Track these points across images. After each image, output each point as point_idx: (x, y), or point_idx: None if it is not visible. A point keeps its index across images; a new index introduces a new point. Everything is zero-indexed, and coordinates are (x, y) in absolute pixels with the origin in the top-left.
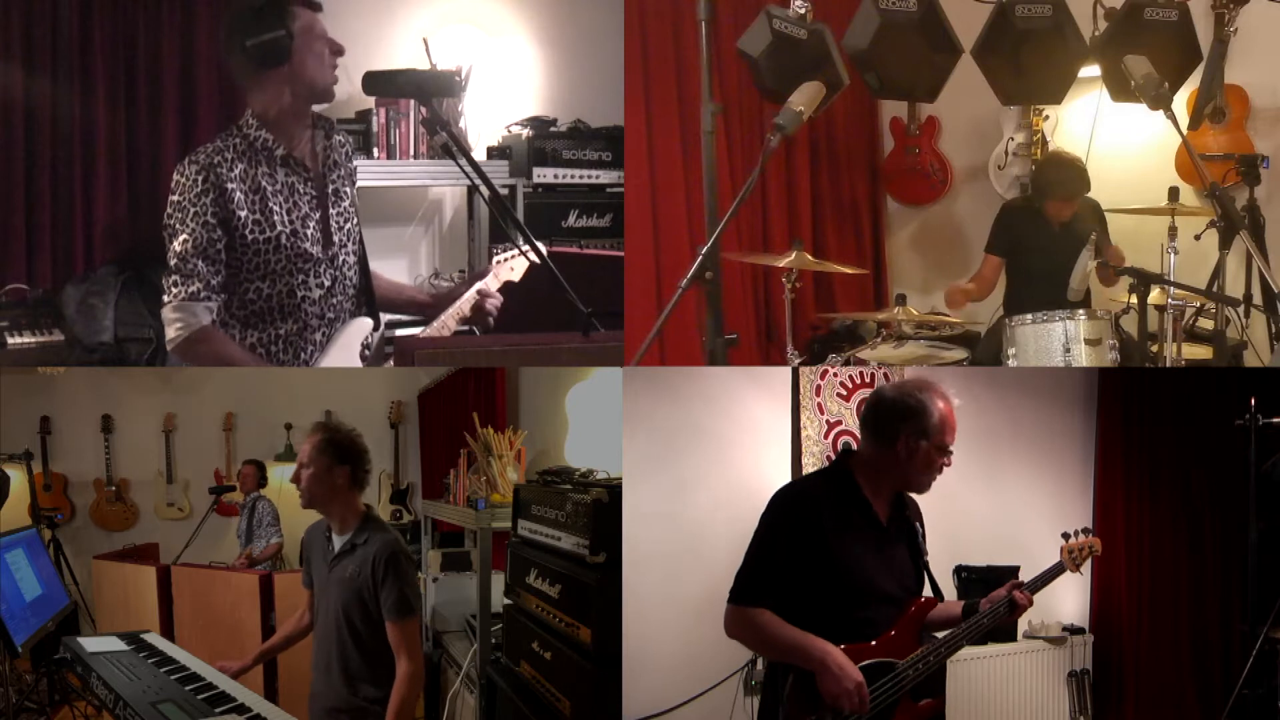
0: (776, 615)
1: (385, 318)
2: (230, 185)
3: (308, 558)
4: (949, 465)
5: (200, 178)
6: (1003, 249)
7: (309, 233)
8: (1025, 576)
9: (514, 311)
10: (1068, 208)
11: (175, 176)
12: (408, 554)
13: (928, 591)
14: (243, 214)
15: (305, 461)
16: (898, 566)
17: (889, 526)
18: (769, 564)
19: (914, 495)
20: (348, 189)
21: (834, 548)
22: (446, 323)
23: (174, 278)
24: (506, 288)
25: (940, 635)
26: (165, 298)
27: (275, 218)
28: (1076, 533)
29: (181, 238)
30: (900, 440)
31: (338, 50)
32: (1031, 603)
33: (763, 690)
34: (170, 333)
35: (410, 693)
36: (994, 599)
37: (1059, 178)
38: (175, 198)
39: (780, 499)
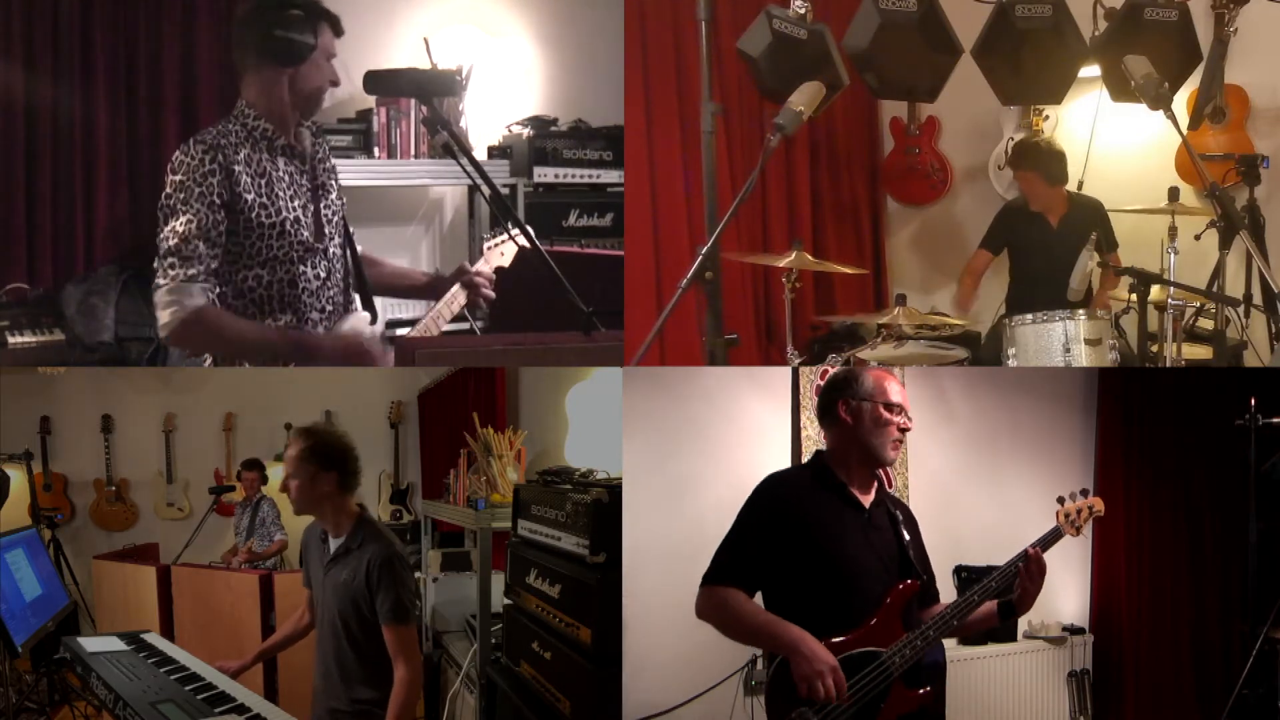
0: (748, 597)
1: (387, 315)
2: (237, 168)
3: (306, 559)
4: (907, 428)
5: (207, 158)
6: (995, 246)
7: (307, 221)
8: None
9: (514, 309)
10: (1037, 187)
11: (178, 156)
12: (403, 558)
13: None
14: (249, 196)
15: (290, 471)
16: (883, 551)
17: (871, 511)
18: (742, 546)
19: (901, 497)
20: (334, 183)
21: (817, 533)
22: (441, 313)
23: (171, 260)
24: (504, 281)
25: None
26: (160, 279)
27: (280, 203)
28: (1073, 495)
29: (184, 218)
30: (840, 409)
31: (336, 81)
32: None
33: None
34: (164, 317)
35: (409, 698)
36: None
37: (1027, 150)
38: (178, 177)
39: (762, 486)
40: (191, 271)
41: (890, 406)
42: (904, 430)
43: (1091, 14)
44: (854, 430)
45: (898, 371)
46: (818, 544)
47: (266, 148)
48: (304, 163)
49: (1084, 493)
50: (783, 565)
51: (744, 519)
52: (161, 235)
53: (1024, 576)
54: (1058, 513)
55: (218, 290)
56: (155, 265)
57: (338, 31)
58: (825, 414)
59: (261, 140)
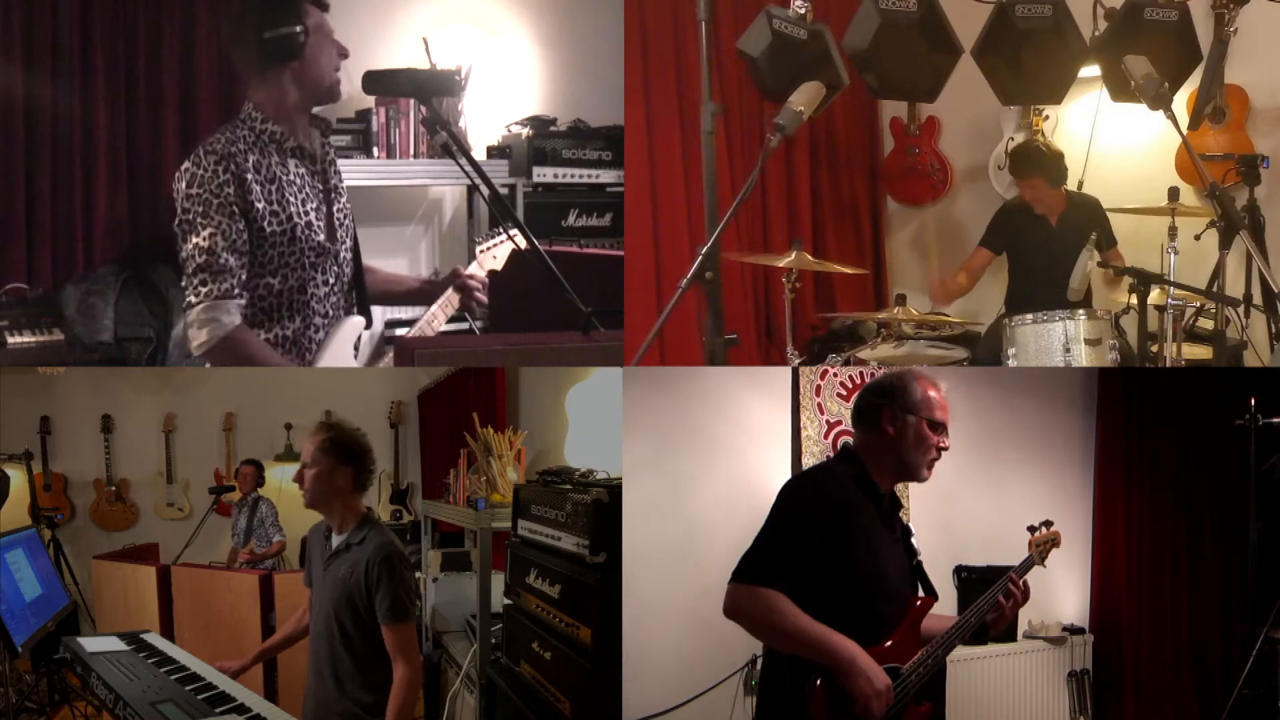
0: (792, 601)
1: (386, 315)
2: (248, 176)
3: (309, 557)
4: (945, 448)
5: (220, 167)
6: (995, 245)
7: (320, 224)
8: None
9: (513, 310)
10: (1042, 192)
11: (189, 168)
12: (403, 557)
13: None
14: (260, 205)
15: (309, 461)
16: (901, 565)
17: (894, 520)
18: (789, 544)
19: (901, 497)
20: (343, 187)
21: (857, 539)
22: (435, 315)
23: (201, 276)
24: (500, 283)
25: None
26: (191, 298)
27: (291, 208)
28: (1039, 526)
29: (206, 231)
30: (885, 418)
31: (343, 53)
32: (1024, 591)
33: (760, 690)
34: (201, 336)
35: (408, 698)
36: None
37: (1028, 156)
38: (194, 190)
39: (804, 480)
40: (224, 286)
41: (934, 425)
42: (941, 450)
43: (1091, 14)
44: (894, 442)
45: (944, 386)
46: (855, 551)
47: (276, 150)
48: (315, 164)
49: (1047, 524)
50: (817, 568)
51: (789, 515)
52: (185, 253)
53: (1004, 604)
54: (1029, 541)
55: (247, 297)
56: (183, 284)
57: (322, 6)
58: (864, 418)
59: (270, 144)
